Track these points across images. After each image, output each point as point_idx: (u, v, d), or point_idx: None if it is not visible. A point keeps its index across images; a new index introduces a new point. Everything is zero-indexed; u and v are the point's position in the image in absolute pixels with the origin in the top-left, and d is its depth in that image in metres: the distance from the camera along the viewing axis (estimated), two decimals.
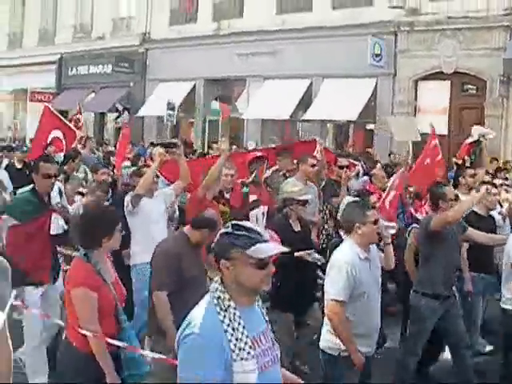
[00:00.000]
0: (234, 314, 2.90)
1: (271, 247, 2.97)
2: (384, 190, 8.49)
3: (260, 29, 20.03)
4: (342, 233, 5.78)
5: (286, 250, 3.02)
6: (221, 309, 2.91)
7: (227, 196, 7.78)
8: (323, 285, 5.44)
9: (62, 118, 12.90)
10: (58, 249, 6.40)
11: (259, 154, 9.07)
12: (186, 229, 5.66)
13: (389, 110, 17.71)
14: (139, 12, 24.76)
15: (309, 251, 6.51)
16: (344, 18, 18.38)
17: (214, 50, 21.23)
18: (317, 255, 6.62)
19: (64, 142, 12.12)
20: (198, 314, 2.92)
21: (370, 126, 18.72)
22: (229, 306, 2.92)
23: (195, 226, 5.55)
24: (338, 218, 6.11)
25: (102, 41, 25.94)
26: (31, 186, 6.27)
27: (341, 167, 8.98)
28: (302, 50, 19.06)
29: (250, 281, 2.92)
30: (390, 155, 15.48)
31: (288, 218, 6.79)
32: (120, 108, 25.38)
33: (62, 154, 12.02)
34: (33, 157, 13.02)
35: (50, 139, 12.96)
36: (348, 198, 6.50)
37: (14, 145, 18.21)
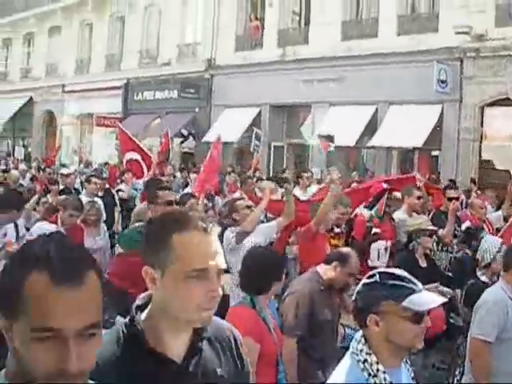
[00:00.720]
0: (385, 378, 2.61)
1: (430, 298, 2.70)
2: (483, 220, 8.93)
3: (325, 55, 21.00)
4: (479, 273, 5.98)
5: (446, 300, 2.82)
6: (369, 375, 2.62)
7: (337, 230, 7.80)
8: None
9: (135, 140, 13.81)
10: None
11: (374, 189, 9.11)
12: (319, 267, 5.49)
13: (454, 136, 18.39)
14: (205, 38, 26.14)
15: (435, 284, 6.42)
16: (409, 44, 19.18)
17: (279, 76, 22.32)
18: (445, 288, 6.58)
19: (144, 168, 13.05)
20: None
21: (435, 153, 19.42)
22: (378, 370, 2.61)
23: (326, 261, 5.45)
24: (478, 257, 6.14)
25: (168, 66, 27.41)
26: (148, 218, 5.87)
27: (450, 199, 9.05)
28: (367, 77, 19.89)
29: (405, 338, 2.64)
30: (450, 181, 16.14)
31: (414, 253, 6.73)
32: (185, 133, 26.73)
33: (140, 182, 13.01)
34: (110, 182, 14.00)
35: (125, 162, 13.93)
36: (488, 238, 6.42)
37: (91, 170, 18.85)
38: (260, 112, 23.48)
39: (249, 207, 7.18)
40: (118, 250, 6.94)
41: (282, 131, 23.57)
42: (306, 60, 21.63)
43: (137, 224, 6.62)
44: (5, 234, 7.17)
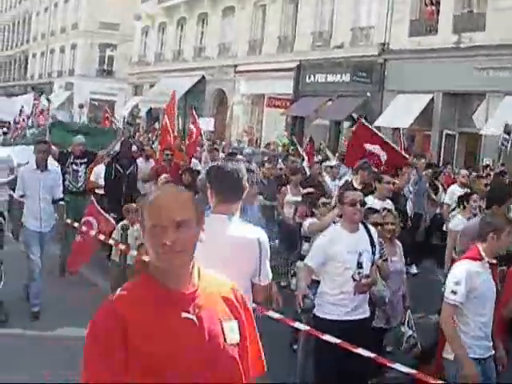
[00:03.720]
0: None
1: None
2: None
3: (502, 43, 22.04)
4: None
5: None
6: None
7: None
8: None
9: (378, 134, 13.55)
10: None
11: None
12: None
13: None
14: (379, 22, 27.86)
15: None
16: None
17: (453, 62, 23.64)
18: None
19: (383, 160, 12.63)
20: None
21: None
22: None
23: None
24: None
25: (341, 50, 29.38)
26: None
27: None
28: None
29: None
30: None
31: None
32: (355, 117, 28.62)
33: None
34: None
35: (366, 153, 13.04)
36: None
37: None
38: (432, 99, 24.93)
39: None
40: None
41: (454, 119, 24.89)
42: (482, 47, 22.75)
43: None
44: None
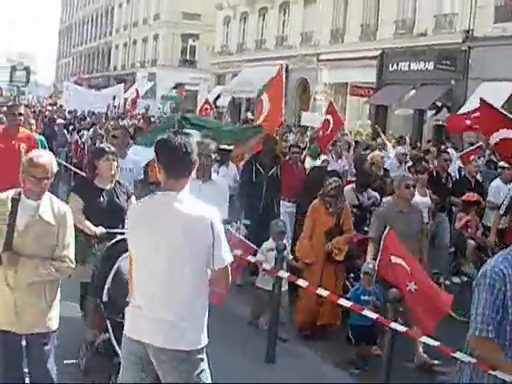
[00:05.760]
0: None
1: None
2: None
3: None
4: None
5: None
6: None
7: None
8: None
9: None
10: None
11: None
12: None
13: None
14: (463, 8, 28.12)
15: None
16: None
17: None
18: None
19: None
20: None
21: None
22: None
23: None
24: None
25: (424, 37, 29.74)
26: None
27: None
28: None
29: None
30: None
31: None
32: (439, 105, 28.93)
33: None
34: None
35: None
36: None
37: None
38: None
39: None
40: None
41: None
42: None
43: None
44: None
